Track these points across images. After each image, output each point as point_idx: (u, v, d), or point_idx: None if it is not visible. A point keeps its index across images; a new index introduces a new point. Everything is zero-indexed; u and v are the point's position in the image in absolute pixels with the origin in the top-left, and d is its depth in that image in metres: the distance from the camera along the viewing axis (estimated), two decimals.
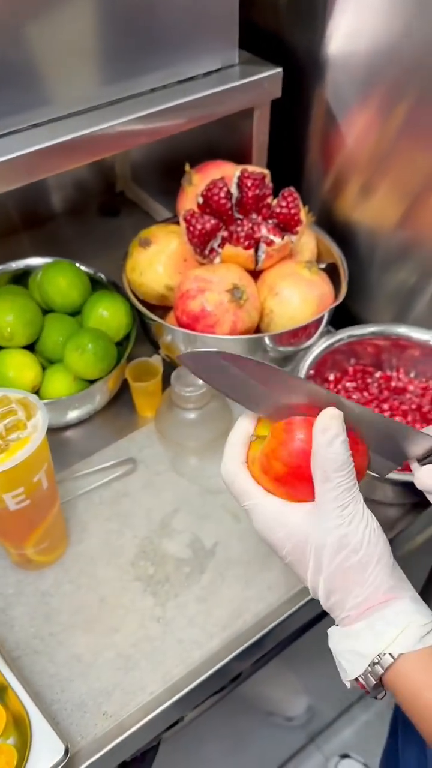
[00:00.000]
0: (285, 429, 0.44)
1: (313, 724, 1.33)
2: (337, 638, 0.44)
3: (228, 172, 0.80)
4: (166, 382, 0.81)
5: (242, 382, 0.45)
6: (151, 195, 1.21)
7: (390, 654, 0.41)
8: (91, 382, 0.78)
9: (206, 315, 0.73)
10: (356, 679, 0.43)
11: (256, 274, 0.79)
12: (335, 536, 0.42)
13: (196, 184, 0.83)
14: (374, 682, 0.42)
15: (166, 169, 1.14)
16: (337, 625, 0.45)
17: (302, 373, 0.75)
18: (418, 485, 0.46)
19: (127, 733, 0.59)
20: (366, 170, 0.84)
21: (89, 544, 0.72)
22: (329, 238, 0.87)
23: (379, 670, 0.41)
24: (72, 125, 0.70)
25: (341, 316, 0.87)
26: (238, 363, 0.44)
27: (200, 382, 0.76)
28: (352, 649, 0.42)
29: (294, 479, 0.44)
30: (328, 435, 0.42)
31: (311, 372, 0.77)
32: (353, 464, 0.43)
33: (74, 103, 0.71)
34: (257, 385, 0.45)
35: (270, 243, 0.75)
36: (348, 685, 0.44)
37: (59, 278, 0.78)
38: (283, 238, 0.75)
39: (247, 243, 0.74)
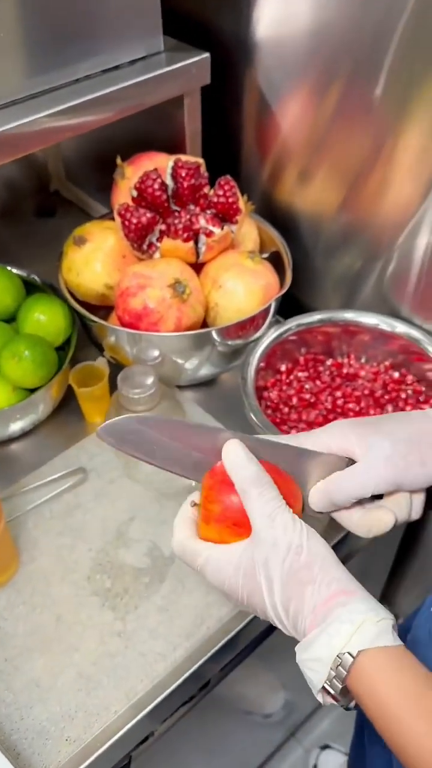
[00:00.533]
0: (210, 475, 0.48)
1: (292, 719, 1.31)
2: (300, 651, 0.43)
3: (161, 163, 0.77)
4: (113, 386, 0.77)
5: (166, 447, 0.49)
6: (87, 192, 1.17)
7: (349, 653, 0.40)
8: (32, 390, 0.74)
9: (149, 312, 0.70)
10: (328, 692, 0.42)
11: (197, 267, 0.76)
12: (275, 546, 0.43)
13: (129, 177, 0.80)
14: (340, 687, 0.40)
15: (100, 164, 1.10)
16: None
17: (253, 366, 0.73)
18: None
19: (92, 757, 0.56)
20: (303, 155, 0.82)
21: (41, 561, 0.69)
22: (271, 227, 0.85)
23: (342, 672, 0.40)
24: None
25: (289, 306, 0.85)
26: (148, 424, 0.49)
27: (149, 381, 0.73)
28: (313, 656, 0.41)
29: (230, 513, 0.46)
30: (233, 456, 0.46)
31: (262, 364, 0.75)
32: (270, 479, 0.45)
33: None
34: (180, 446, 0.49)
35: (210, 234, 0.72)
36: (320, 699, 0.43)
37: None
38: (222, 229, 0.73)
39: (186, 235, 0.71)
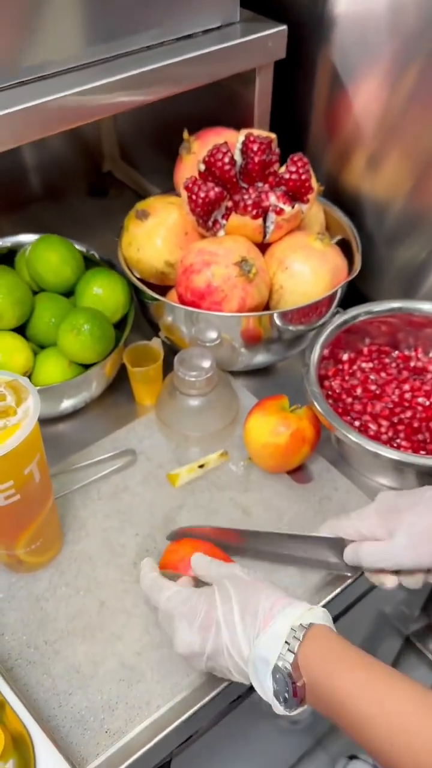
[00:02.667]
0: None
1: (319, 726, 1.27)
2: (256, 647, 0.47)
3: (230, 139, 0.74)
4: (167, 368, 0.75)
5: None
6: (141, 173, 1.15)
7: (302, 625, 0.47)
8: (87, 367, 0.72)
9: (212, 291, 0.67)
10: (281, 701, 0.46)
11: (263, 248, 0.73)
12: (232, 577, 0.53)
13: (195, 152, 0.77)
14: (293, 656, 0.45)
15: (158, 145, 1.07)
16: None
17: (316, 353, 0.69)
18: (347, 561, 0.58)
19: (135, 756, 0.53)
20: (374, 138, 0.78)
21: (87, 543, 0.66)
22: (338, 210, 0.81)
23: (296, 642, 0.46)
24: (59, 85, 0.63)
25: (347, 296, 0.81)
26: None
27: (206, 365, 0.70)
28: (269, 636, 0.47)
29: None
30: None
31: (325, 352, 0.71)
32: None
33: (62, 62, 0.64)
34: None
35: (280, 212, 0.69)
36: (280, 709, 0.46)
37: (50, 254, 0.71)
38: (293, 207, 0.69)
39: (255, 212, 0.68)
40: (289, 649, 0.46)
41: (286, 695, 0.46)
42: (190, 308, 0.68)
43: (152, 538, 0.66)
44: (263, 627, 0.47)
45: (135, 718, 0.55)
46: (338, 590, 0.62)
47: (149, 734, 0.54)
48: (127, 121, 1.12)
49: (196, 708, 0.55)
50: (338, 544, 0.59)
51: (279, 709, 0.46)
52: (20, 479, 0.53)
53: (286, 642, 0.46)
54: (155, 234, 0.73)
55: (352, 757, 1.28)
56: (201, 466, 0.72)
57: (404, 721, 0.42)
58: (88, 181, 1.18)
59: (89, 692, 0.56)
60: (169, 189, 0.83)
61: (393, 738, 0.41)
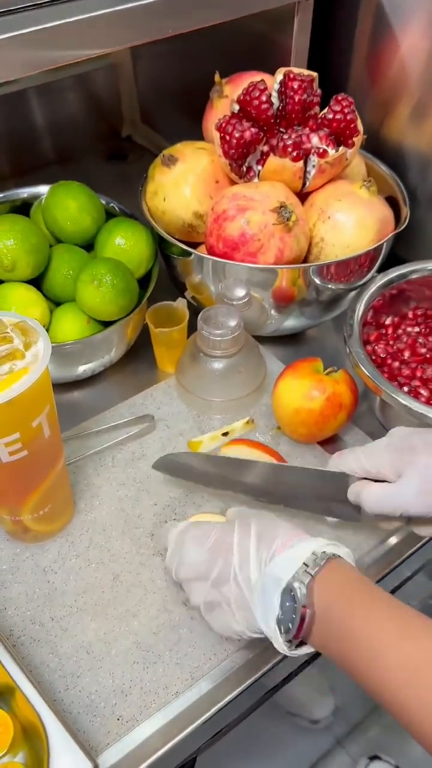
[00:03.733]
0: None
1: (340, 726, 1.21)
2: (270, 563, 0.44)
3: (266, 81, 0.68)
4: (191, 332, 0.69)
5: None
6: (164, 137, 1.09)
7: (307, 570, 0.42)
8: (107, 326, 0.66)
9: (248, 240, 0.60)
10: (282, 630, 0.42)
11: (301, 197, 0.66)
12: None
13: (228, 95, 0.70)
14: (297, 612, 0.41)
15: (181, 106, 1.01)
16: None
17: (359, 313, 0.63)
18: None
19: (160, 752, 0.47)
20: (421, 86, 0.72)
21: (100, 512, 0.60)
22: (381, 163, 0.74)
23: (315, 566, 0.42)
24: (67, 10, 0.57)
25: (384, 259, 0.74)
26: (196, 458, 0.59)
27: (232, 323, 0.64)
28: (287, 557, 0.43)
29: None
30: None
31: (368, 316, 0.64)
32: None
33: None
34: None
35: (323, 154, 0.62)
36: (279, 641, 0.42)
37: (69, 201, 0.65)
38: (338, 150, 0.63)
39: (295, 153, 0.61)
40: (306, 571, 0.42)
41: (290, 625, 0.42)
42: (222, 260, 0.61)
43: (171, 508, 0.60)
44: (279, 552, 0.44)
45: (151, 704, 0.49)
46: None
47: (166, 723, 0.48)
48: (149, 81, 1.06)
49: (224, 702, 0.49)
50: (342, 481, 0.52)
51: (278, 641, 0.42)
52: (28, 432, 0.47)
53: (304, 564, 0.42)
54: (183, 181, 0.67)
55: (374, 758, 1.23)
56: (225, 434, 0.66)
57: (427, 662, 0.37)
58: (106, 146, 1.12)
59: (100, 675, 0.50)
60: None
61: (411, 680, 0.37)
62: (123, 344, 0.69)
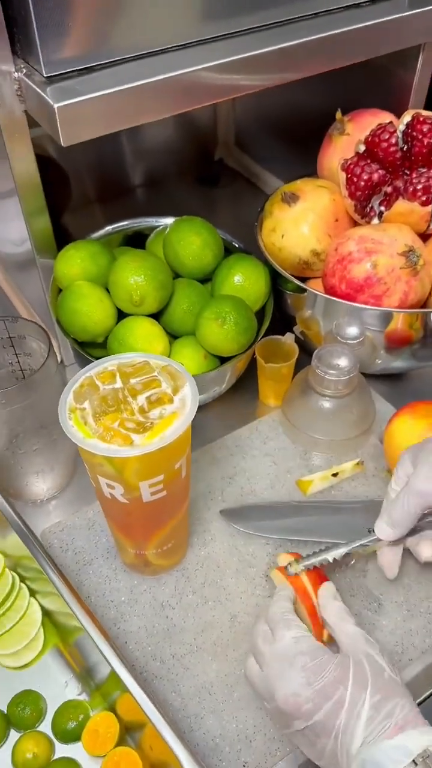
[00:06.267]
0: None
1: None
2: (377, 746, 0.40)
3: (386, 121, 0.67)
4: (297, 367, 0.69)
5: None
6: (257, 161, 1.09)
7: None
8: (221, 360, 0.66)
9: (373, 283, 0.60)
10: None
11: (423, 239, 0.66)
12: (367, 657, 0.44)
13: (350, 133, 0.70)
14: None
15: (279, 132, 1.02)
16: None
17: None
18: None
19: None
20: None
21: (213, 548, 0.60)
22: None
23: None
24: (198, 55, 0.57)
25: None
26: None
27: (346, 364, 0.64)
28: (395, 745, 0.39)
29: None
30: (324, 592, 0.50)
31: None
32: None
33: (201, 31, 0.57)
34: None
35: None
36: None
37: (192, 237, 0.66)
38: None
39: (425, 198, 0.61)
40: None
41: None
42: (346, 302, 0.61)
43: (284, 548, 0.60)
44: (390, 733, 0.40)
45: (275, 752, 0.49)
46: None
47: None
48: (249, 104, 1.06)
49: None
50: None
51: None
52: (170, 474, 0.48)
53: (413, 762, 0.38)
54: (303, 220, 0.67)
55: None
56: (335, 475, 0.66)
57: None
58: (196, 169, 1.13)
59: (223, 718, 0.50)
60: (293, 177, 0.76)
61: None
62: (233, 377, 0.70)
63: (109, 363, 0.49)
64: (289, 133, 0.99)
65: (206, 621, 0.55)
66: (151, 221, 0.76)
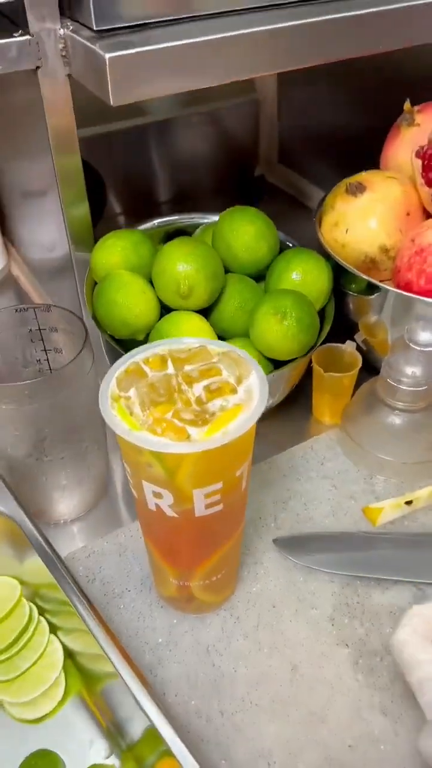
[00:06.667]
0: None
1: None
2: None
3: None
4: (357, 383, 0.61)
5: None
6: (303, 176, 1.04)
7: None
8: (276, 365, 0.58)
9: None
10: None
11: None
12: None
13: (420, 124, 0.64)
14: None
15: (324, 146, 0.96)
16: None
17: None
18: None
19: None
20: None
21: (266, 584, 0.51)
22: None
23: None
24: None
25: None
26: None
27: (422, 373, 0.55)
28: None
29: None
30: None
31: None
32: None
33: None
34: None
35: None
36: None
37: (246, 226, 0.59)
38: None
39: None
40: None
41: None
42: (427, 299, 0.53)
43: (352, 587, 0.50)
44: None
45: None
46: None
47: None
48: (293, 120, 1.02)
49: None
50: None
51: None
52: (230, 482, 0.39)
53: None
54: (371, 212, 0.60)
55: None
56: (408, 503, 0.56)
57: None
58: (233, 186, 1.08)
59: None
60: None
61: None
62: (287, 388, 0.61)
63: (159, 348, 0.41)
64: (332, 148, 0.93)
65: (261, 672, 0.45)
66: (197, 217, 0.69)
